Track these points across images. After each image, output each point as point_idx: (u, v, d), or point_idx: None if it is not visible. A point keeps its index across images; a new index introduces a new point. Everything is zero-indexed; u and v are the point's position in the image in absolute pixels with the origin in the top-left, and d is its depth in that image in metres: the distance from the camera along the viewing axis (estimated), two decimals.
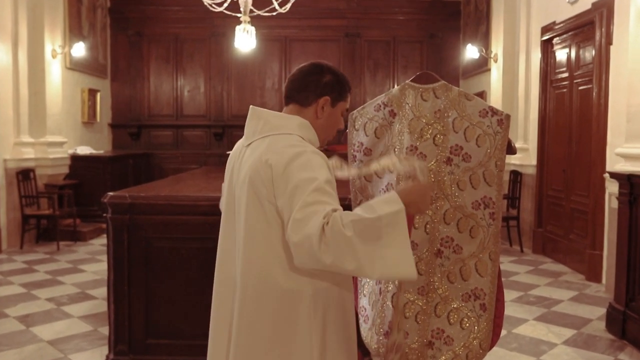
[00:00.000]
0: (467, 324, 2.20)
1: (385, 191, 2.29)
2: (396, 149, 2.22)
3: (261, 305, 1.63)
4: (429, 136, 2.18)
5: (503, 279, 5.42)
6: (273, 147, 1.61)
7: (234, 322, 1.70)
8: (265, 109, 1.76)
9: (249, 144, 1.71)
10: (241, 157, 1.72)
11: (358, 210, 1.47)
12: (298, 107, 1.74)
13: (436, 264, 2.21)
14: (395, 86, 2.39)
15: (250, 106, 1.79)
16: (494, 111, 2.14)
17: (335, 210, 1.46)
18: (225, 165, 1.90)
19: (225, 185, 1.82)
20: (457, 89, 2.21)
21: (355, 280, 2.32)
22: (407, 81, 2.26)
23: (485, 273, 2.20)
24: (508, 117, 2.17)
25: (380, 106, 2.27)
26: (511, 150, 2.22)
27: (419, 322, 2.22)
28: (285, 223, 1.52)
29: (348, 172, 1.85)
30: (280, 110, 1.78)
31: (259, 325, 1.63)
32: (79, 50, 8.01)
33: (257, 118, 1.72)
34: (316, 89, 1.72)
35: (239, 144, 1.81)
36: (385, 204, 1.47)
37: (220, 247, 1.79)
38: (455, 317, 2.21)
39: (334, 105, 1.75)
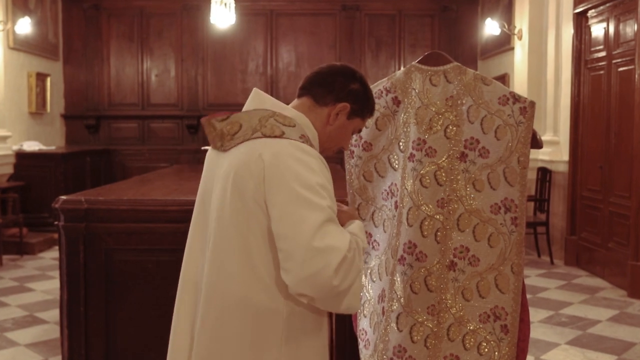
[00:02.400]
0: (486, 349, 2.20)
1: (388, 192, 2.29)
2: (401, 143, 2.23)
3: (227, 322, 1.65)
4: (439, 127, 2.19)
5: (529, 296, 5.46)
6: (269, 144, 1.63)
7: (195, 336, 1.74)
8: (267, 98, 1.78)
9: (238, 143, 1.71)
10: (215, 166, 1.74)
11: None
12: (312, 102, 1.77)
13: (449, 278, 2.22)
14: (401, 68, 2.39)
15: (254, 89, 1.82)
16: (515, 98, 2.15)
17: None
18: (200, 164, 1.91)
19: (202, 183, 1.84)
20: (473, 72, 2.21)
21: None
22: (413, 63, 2.26)
23: (507, 289, 2.20)
24: (532, 104, 2.18)
25: (382, 92, 2.27)
26: (537, 143, 2.22)
27: (428, 347, 2.21)
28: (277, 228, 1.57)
29: None
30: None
31: (222, 343, 1.66)
32: (24, 26, 7.98)
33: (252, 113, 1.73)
34: (340, 92, 1.76)
35: (210, 149, 1.83)
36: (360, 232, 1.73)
37: (188, 244, 1.84)
38: (472, 341, 2.20)
39: (350, 117, 1.79)
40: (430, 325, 2.22)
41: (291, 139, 1.65)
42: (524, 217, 2.20)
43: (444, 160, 2.18)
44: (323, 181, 1.60)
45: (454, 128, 2.18)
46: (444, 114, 2.19)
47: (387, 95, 2.26)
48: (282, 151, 1.61)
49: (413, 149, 2.19)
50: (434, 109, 2.20)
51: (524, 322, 2.25)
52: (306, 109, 1.76)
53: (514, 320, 2.20)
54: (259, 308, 1.63)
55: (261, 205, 1.60)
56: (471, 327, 2.21)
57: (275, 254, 1.60)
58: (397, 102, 2.24)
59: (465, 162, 2.19)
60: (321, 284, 1.51)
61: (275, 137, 1.64)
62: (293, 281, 1.54)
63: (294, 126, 1.69)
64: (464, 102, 2.19)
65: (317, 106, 1.76)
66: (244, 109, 1.78)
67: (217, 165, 1.75)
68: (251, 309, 1.63)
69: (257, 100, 1.78)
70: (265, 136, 1.65)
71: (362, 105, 1.80)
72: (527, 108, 2.18)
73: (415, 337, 2.23)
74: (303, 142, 1.66)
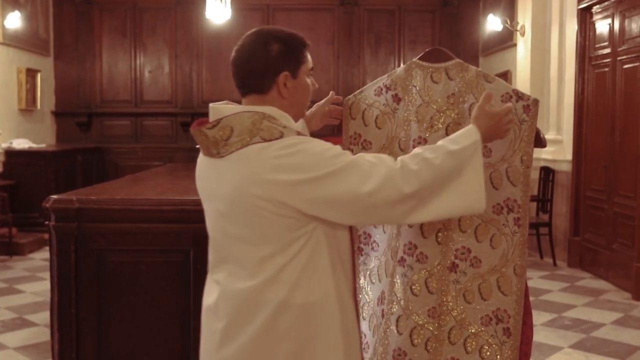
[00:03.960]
0: (488, 353, 2.19)
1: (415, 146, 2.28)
2: (401, 142, 2.23)
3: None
4: (440, 126, 2.18)
5: (532, 298, 5.46)
6: (261, 162, 1.69)
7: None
8: (224, 106, 1.81)
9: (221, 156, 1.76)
10: (217, 173, 1.78)
11: (442, 141, 1.83)
12: (258, 96, 1.80)
13: (450, 280, 2.21)
14: (401, 65, 2.39)
15: (210, 105, 1.83)
16: (518, 95, 2.14)
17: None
18: (195, 162, 1.93)
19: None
20: (475, 69, 2.21)
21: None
22: (414, 59, 2.25)
23: (509, 291, 2.19)
24: (536, 102, 2.18)
25: (381, 89, 2.27)
26: (540, 142, 2.22)
27: (429, 351, 2.21)
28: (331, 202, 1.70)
29: None
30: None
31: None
32: (14, 21, 7.96)
33: (221, 125, 1.75)
34: (268, 69, 1.78)
35: (202, 157, 1.86)
36: (465, 135, 1.84)
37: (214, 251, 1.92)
38: (474, 344, 2.20)
39: (295, 75, 1.81)
40: (431, 329, 2.21)
41: (289, 137, 1.71)
42: (527, 217, 2.20)
43: None
44: (325, 148, 1.71)
45: (456, 126, 2.17)
46: (445, 112, 2.19)
47: (387, 92, 2.25)
48: (282, 161, 1.68)
49: (414, 147, 2.17)
50: (435, 107, 2.19)
51: (527, 325, 2.26)
52: (259, 103, 1.79)
53: (517, 323, 2.20)
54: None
55: (285, 214, 1.70)
56: (473, 330, 2.21)
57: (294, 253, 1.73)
58: (397, 99, 2.24)
59: None
60: (395, 200, 1.71)
61: (275, 139, 1.70)
62: (392, 218, 1.78)
63: (277, 122, 1.74)
64: (465, 99, 2.18)
65: (265, 94, 1.79)
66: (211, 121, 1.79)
67: (217, 173, 1.78)
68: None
69: (218, 112, 1.78)
70: (265, 140, 1.70)
71: (295, 56, 1.81)
72: (531, 106, 2.17)
73: (416, 340, 2.22)
74: (297, 134, 1.75)
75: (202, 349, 1.94)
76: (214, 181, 1.80)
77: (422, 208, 1.76)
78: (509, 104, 2.00)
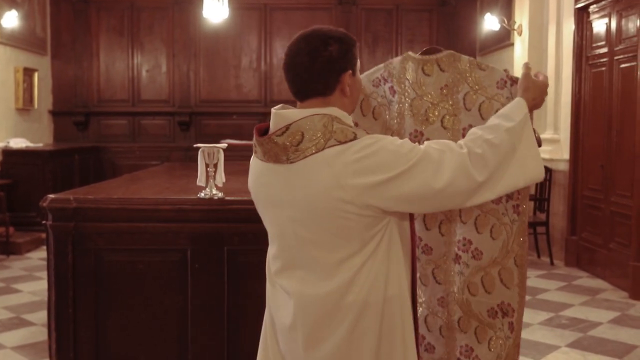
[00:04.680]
0: (495, 346, 2.20)
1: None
2: (394, 134, 2.21)
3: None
4: (435, 118, 2.16)
5: (529, 297, 5.48)
6: (339, 167, 1.70)
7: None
8: (289, 111, 1.80)
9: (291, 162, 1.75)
10: (286, 179, 1.77)
11: (496, 119, 1.88)
12: (321, 98, 1.79)
13: (455, 271, 2.21)
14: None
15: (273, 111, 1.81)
16: (512, 80, 2.11)
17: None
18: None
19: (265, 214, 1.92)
20: (468, 58, 2.18)
21: None
22: (409, 52, 2.24)
23: (511, 284, 2.19)
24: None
25: (379, 80, 2.25)
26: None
27: (444, 336, 2.24)
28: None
29: None
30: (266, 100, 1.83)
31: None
32: (11, 20, 7.95)
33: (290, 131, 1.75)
34: (332, 71, 1.78)
35: (262, 163, 1.84)
36: (517, 110, 1.89)
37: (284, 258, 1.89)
38: (483, 334, 2.21)
39: (354, 73, 1.84)
40: (442, 317, 2.24)
41: (363, 137, 1.72)
42: (526, 203, 2.18)
43: None
44: (398, 144, 1.73)
45: (451, 118, 2.16)
46: (439, 104, 2.17)
47: (384, 84, 2.24)
48: (363, 163, 1.69)
49: (410, 140, 2.18)
50: (428, 100, 2.17)
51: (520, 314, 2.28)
52: (321, 105, 1.78)
53: (520, 317, 2.20)
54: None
55: (359, 210, 1.71)
56: (480, 322, 2.21)
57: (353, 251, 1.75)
58: (393, 91, 2.23)
59: None
60: (468, 189, 1.77)
61: (350, 140, 1.71)
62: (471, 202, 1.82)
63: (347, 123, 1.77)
64: (459, 89, 2.16)
65: (329, 96, 1.80)
66: (271, 131, 1.78)
67: (286, 179, 1.76)
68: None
69: (285, 118, 1.77)
70: (340, 142, 1.70)
71: (352, 54, 1.83)
72: (518, 88, 2.17)
73: (431, 327, 2.27)
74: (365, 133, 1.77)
75: (287, 353, 1.90)
76: (282, 188, 1.78)
77: (489, 189, 1.82)
78: (545, 76, 2.03)
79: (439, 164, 1.72)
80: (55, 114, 9.82)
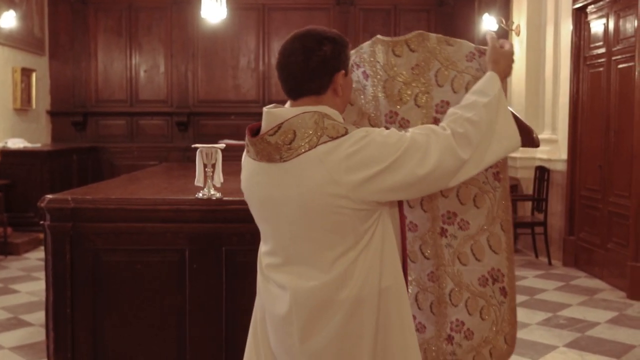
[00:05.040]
0: (488, 314, 2.23)
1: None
2: (371, 118, 2.24)
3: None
4: (409, 98, 2.18)
5: (527, 297, 5.49)
6: (333, 153, 1.72)
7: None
8: (281, 109, 1.82)
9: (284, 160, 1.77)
10: (280, 177, 1.78)
11: (471, 96, 1.93)
12: (314, 97, 1.82)
13: (442, 245, 2.24)
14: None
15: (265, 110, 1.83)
16: (481, 51, 2.14)
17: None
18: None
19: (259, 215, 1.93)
20: (436, 36, 2.19)
21: None
22: (377, 35, 2.25)
23: (499, 249, 2.22)
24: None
25: (352, 66, 2.25)
26: (533, 142, 2.21)
27: (435, 313, 2.27)
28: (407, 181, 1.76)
29: None
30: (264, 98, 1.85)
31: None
32: (9, 20, 7.94)
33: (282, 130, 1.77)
34: (326, 71, 1.81)
35: (255, 163, 1.85)
36: (490, 84, 1.94)
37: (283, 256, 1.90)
38: (474, 305, 2.23)
39: (347, 73, 1.88)
40: (433, 292, 2.26)
41: (354, 131, 1.75)
42: (506, 170, 2.20)
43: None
44: (385, 134, 1.76)
45: (424, 96, 2.18)
46: (411, 83, 2.19)
47: (357, 69, 2.25)
48: (356, 157, 1.71)
49: (386, 122, 2.20)
50: (401, 80, 2.19)
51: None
52: (316, 102, 1.81)
53: (511, 282, 2.23)
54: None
55: (359, 208, 1.74)
56: (471, 292, 2.24)
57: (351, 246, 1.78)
58: (366, 75, 2.24)
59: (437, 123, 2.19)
60: (456, 168, 1.81)
61: (342, 136, 1.73)
62: (453, 182, 1.86)
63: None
64: (430, 67, 2.18)
65: (321, 94, 1.82)
66: (263, 130, 1.80)
67: (280, 177, 1.78)
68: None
69: (277, 117, 1.78)
70: (333, 138, 1.72)
71: (345, 54, 1.86)
72: (487, 62, 2.18)
73: (422, 305, 2.29)
74: (356, 127, 1.79)
75: (278, 349, 1.91)
76: (276, 186, 1.79)
77: (474, 165, 1.86)
78: (511, 44, 2.07)
79: (426, 149, 1.76)
80: (53, 114, 9.81)
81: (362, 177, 1.71)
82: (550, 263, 6.80)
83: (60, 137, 9.82)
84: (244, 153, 1.92)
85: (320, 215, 1.75)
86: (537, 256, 7.07)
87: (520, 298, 5.49)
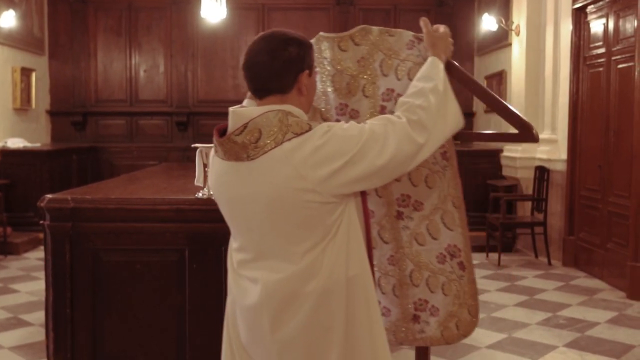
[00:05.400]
0: (450, 289, 2.33)
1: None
2: (322, 112, 2.32)
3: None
4: (357, 90, 2.29)
5: (527, 297, 5.49)
6: (298, 150, 1.76)
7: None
8: (247, 109, 1.87)
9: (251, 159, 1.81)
10: (248, 175, 1.82)
11: (418, 83, 2.00)
12: (279, 96, 1.86)
13: (399, 227, 2.34)
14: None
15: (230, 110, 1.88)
16: (419, 39, 2.24)
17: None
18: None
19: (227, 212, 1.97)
20: (378, 28, 2.30)
21: None
22: (320, 33, 2.34)
23: (453, 225, 2.32)
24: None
25: None
26: (533, 137, 2.24)
27: (397, 296, 2.36)
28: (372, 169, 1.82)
29: None
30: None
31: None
32: (9, 20, 7.94)
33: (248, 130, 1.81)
34: (291, 70, 1.86)
35: (223, 162, 1.88)
36: (433, 69, 2.03)
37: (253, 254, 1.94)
38: (435, 283, 2.33)
39: (311, 74, 1.93)
40: (394, 275, 2.36)
41: (317, 127, 1.80)
42: (453, 149, 2.29)
43: (367, 119, 2.24)
44: (345, 127, 1.81)
45: (371, 86, 2.28)
46: (358, 76, 2.28)
47: None
48: (321, 152, 1.76)
49: (337, 114, 2.29)
50: (348, 73, 2.28)
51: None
52: (280, 101, 1.85)
53: (467, 256, 2.32)
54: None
55: (328, 201, 1.79)
56: (431, 270, 2.34)
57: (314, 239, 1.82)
58: (315, 73, 2.32)
59: (384, 113, 2.26)
60: (414, 152, 1.88)
61: (307, 132, 1.77)
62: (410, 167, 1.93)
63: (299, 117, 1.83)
64: (375, 58, 2.28)
65: (286, 94, 1.87)
66: (229, 131, 1.84)
67: (248, 176, 1.82)
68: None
69: (242, 116, 1.83)
70: (297, 134, 1.77)
71: (310, 56, 1.91)
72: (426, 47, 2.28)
73: (385, 289, 2.37)
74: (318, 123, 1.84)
75: (249, 340, 1.95)
76: (245, 184, 1.83)
77: (428, 148, 1.93)
78: (445, 27, 2.17)
79: (384, 138, 1.82)
80: (52, 114, 9.81)
81: (327, 172, 1.75)
82: (550, 263, 6.80)
83: (60, 136, 9.81)
84: (212, 153, 1.97)
85: (288, 210, 1.79)
86: (536, 256, 7.07)
87: (520, 298, 5.50)
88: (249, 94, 2.02)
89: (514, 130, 2.30)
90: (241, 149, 1.80)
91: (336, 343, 1.86)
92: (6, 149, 7.94)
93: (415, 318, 2.36)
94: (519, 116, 2.27)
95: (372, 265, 2.02)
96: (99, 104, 9.89)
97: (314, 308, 1.83)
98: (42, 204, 3.06)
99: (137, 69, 9.89)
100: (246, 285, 1.91)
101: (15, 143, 8.16)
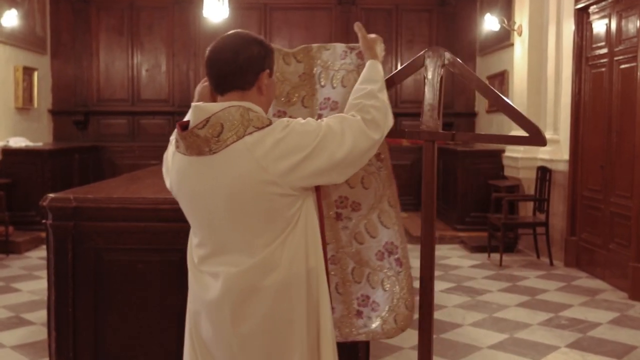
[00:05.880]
0: (388, 285, 2.42)
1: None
2: None
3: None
4: (296, 99, 2.41)
5: (528, 297, 5.49)
6: (259, 142, 1.82)
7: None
8: (209, 104, 1.92)
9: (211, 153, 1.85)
10: (210, 169, 1.86)
11: (362, 85, 2.12)
12: (239, 92, 1.91)
13: (339, 228, 2.43)
14: (399, 65, 2.55)
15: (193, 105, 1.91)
16: (351, 48, 2.37)
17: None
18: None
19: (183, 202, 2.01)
20: (316, 45, 2.44)
21: None
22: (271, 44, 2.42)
23: (390, 223, 2.42)
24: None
25: None
26: (542, 140, 2.28)
27: (341, 293, 2.44)
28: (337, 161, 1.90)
29: None
30: None
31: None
32: (11, 19, 7.95)
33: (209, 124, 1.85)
34: (253, 68, 1.91)
35: (184, 157, 1.92)
36: (373, 71, 2.16)
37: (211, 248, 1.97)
38: (375, 279, 2.43)
39: (271, 74, 1.99)
40: (337, 274, 2.43)
41: (277, 121, 1.86)
42: (387, 149, 2.39)
43: None
44: (302, 123, 1.88)
45: (310, 98, 2.40)
46: (299, 87, 2.41)
47: None
48: (281, 145, 1.81)
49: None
50: (289, 84, 2.40)
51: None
52: (238, 99, 1.89)
53: (404, 252, 2.42)
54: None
55: (287, 194, 1.84)
56: (371, 267, 2.44)
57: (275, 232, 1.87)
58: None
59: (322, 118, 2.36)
60: (369, 147, 1.99)
61: (267, 126, 1.83)
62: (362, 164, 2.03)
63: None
64: (314, 72, 2.41)
65: (246, 91, 1.92)
66: (191, 125, 1.87)
67: (209, 169, 1.85)
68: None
69: (205, 111, 1.86)
70: (258, 128, 1.82)
71: (270, 57, 1.98)
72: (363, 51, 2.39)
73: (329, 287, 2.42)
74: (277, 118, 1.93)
75: (211, 336, 1.96)
76: (207, 179, 1.87)
77: (379, 143, 2.05)
78: (375, 36, 2.31)
79: (341, 134, 1.90)
80: (54, 113, 9.82)
81: (288, 165, 1.81)
82: (551, 263, 6.79)
83: (62, 136, 9.83)
84: (172, 150, 2.02)
85: (250, 203, 1.83)
86: (538, 257, 7.07)
87: (521, 298, 5.50)
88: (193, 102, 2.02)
89: (516, 131, 2.32)
90: (203, 143, 1.83)
91: (298, 336, 1.90)
92: (8, 148, 7.95)
93: (359, 313, 2.44)
94: (528, 120, 2.33)
95: (326, 260, 2.07)
96: (101, 104, 9.90)
97: (274, 301, 1.87)
98: (44, 203, 3.07)
99: (139, 68, 9.90)
100: (207, 280, 1.93)
101: (17, 142, 8.17)
